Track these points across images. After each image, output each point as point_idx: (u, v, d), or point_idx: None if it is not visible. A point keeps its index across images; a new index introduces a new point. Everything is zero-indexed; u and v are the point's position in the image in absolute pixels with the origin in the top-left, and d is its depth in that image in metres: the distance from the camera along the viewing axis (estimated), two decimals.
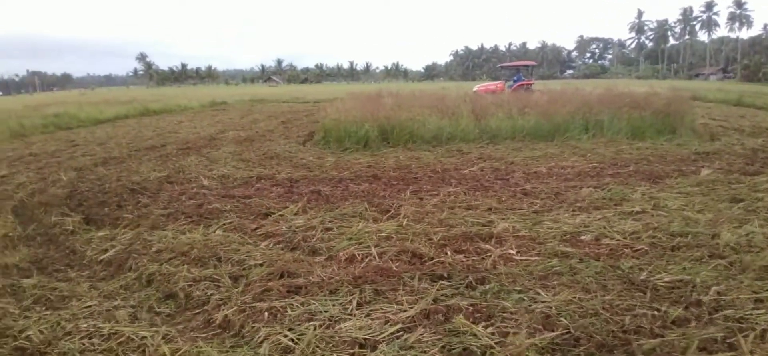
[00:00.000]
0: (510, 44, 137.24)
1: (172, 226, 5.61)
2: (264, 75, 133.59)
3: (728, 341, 2.99)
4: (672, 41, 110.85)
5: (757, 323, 3.17)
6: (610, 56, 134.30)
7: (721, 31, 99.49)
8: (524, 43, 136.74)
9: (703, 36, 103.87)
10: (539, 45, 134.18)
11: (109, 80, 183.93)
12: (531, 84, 23.64)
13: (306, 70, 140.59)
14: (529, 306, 3.46)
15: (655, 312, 3.34)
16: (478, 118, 12.44)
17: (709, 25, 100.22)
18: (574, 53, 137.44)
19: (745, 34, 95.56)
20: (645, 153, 9.67)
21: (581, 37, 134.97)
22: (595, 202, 6.14)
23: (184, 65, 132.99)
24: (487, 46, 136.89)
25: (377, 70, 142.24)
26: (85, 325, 3.32)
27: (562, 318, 3.27)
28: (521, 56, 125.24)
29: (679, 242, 4.63)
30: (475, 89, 22.87)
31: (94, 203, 6.85)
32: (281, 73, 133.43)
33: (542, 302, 3.50)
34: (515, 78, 25.25)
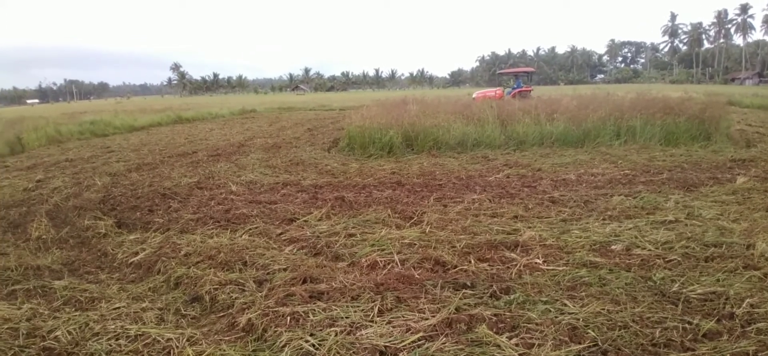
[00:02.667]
0: (538, 49, 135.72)
1: (201, 230, 5.72)
2: (292, 83, 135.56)
3: (760, 355, 2.85)
4: (706, 45, 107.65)
5: None
6: (642, 60, 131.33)
7: (757, 35, 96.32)
8: (553, 48, 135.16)
9: (738, 39, 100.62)
10: (569, 49, 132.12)
11: (144, 89, 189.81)
12: (530, 90, 23.66)
13: (332, 78, 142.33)
14: (556, 317, 3.37)
15: (687, 325, 3.22)
16: (505, 124, 12.30)
17: (745, 28, 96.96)
18: (605, 57, 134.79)
19: None
20: (679, 160, 9.38)
21: (612, 40, 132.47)
22: (627, 211, 5.98)
23: (215, 75, 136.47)
24: (515, 51, 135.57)
25: (402, 77, 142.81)
26: (113, 327, 3.40)
27: (589, 331, 3.18)
28: (550, 61, 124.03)
29: (712, 253, 4.46)
30: (474, 95, 22.91)
31: (127, 208, 7.03)
32: (308, 82, 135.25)
33: (569, 313, 3.41)
34: (514, 86, 25.27)
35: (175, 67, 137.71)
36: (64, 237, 5.84)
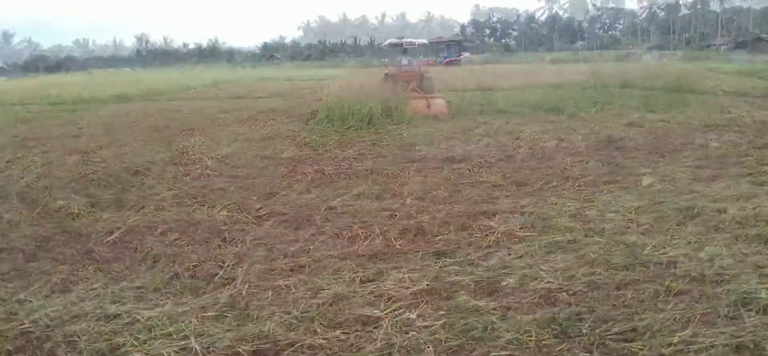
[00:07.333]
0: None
1: (177, 207, 5.63)
2: (266, 53, 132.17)
3: (730, 315, 2.97)
4: (684, 11, 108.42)
5: (760, 296, 3.14)
6: (620, 26, 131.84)
7: (734, 0, 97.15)
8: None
9: (715, 5, 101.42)
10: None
11: (113, 61, 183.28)
12: (460, 59, 23.69)
13: (309, 46, 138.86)
14: (532, 281, 3.46)
15: (658, 287, 3.32)
16: (484, 91, 12.35)
17: None
18: (585, 24, 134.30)
19: (757, 2, 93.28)
20: (655, 126, 9.55)
21: (593, 4, 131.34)
22: (603, 177, 6.08)
23: (185, 44, 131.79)
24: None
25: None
26: (91, 307, 3.35)
27: (564, 293, 3.27)
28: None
29: (685, 216, 4.59)
30: (387, 71, 17.30)
31: (99, 186, 6.87)
32: (284, 50, 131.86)
33: (545, 279, 3.50)
34: (445, 55, 25.40)
35: (142, 37, 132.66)
36: (36, 218, 5.69)
